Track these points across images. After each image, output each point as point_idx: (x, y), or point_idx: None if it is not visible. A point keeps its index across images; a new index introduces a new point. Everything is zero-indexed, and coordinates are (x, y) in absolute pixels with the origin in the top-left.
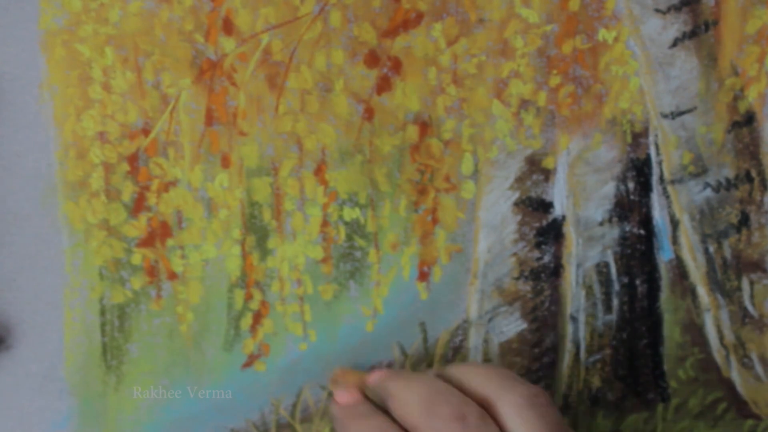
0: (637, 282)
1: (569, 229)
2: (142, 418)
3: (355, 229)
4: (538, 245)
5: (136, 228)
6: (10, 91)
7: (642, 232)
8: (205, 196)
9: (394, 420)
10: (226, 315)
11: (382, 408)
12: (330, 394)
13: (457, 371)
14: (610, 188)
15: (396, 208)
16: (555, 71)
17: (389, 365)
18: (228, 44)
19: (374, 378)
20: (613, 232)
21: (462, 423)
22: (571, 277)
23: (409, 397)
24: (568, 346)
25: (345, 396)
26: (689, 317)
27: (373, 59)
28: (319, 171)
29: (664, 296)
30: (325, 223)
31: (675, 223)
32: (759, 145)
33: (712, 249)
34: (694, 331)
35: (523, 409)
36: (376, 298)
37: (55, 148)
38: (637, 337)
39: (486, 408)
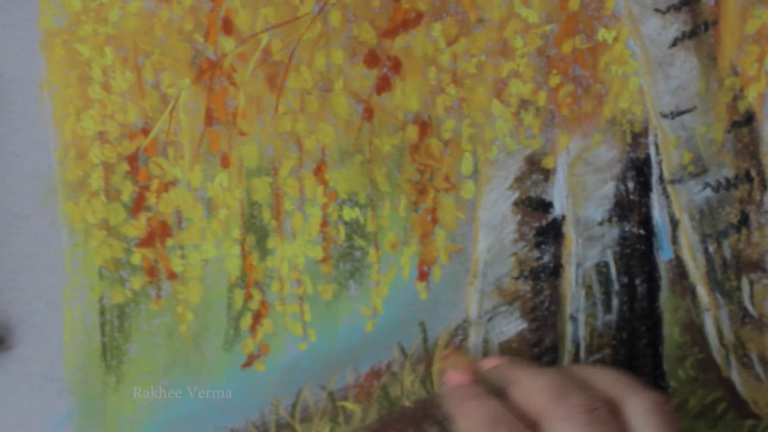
0: (637, 282)
1: (569, 229)
2: (142, 418)
3: (354, 228)
4: (537, 245)
5: (136, 228)
6: (10, 91)
7: (642, 231)
8: (204, 196)
9: (510, 406)
10: (226, 315)
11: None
12: (330, 394)
13: (582, 371)
14: (609, 188)
15: (396, 208)
16: (555, 71)
17: (389, 365)
18: (228, 44)
19: (493, 364)
20: (613, 232)
21: (592, 414)
22: (570, 276)
23: (538, 384)
24: (568, 345)
25: (458, 376)
26: (689, 317)
27: (372, 59)
28: (318, 171)
29: (664, 296)
30: (324, 223)
31: (675, 223)
32: (758, 145)
33: (711, 249)
34: (694, 330)
35: (651, 414)
36: (376, 298)
37: (54, 147)
38: (637, 337)
39: (612, 408)
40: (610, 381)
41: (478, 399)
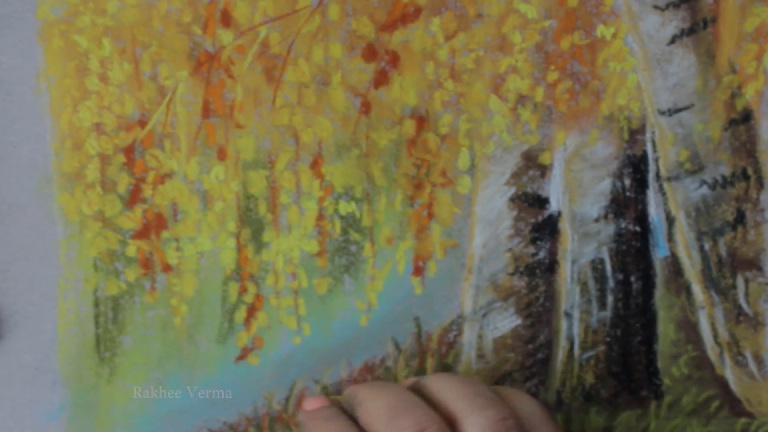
0: (632, 279)
1: (565, 225)
2: (135, 410)
3: (350, 223)
4: (533, 241)
5: (132, 220)
6: (7, 82)
7: (637, 228)
8: (200, 188)
9: (359, 427)
10: (221, 308)
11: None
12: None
13: (432, 383)
14: (606, 185)
15: (392, 203)
16: (553, 67)
17: (383, 360)
18: (226, 36)
19: (348, 389)
20: (609, 229)
21: None
22: (566, 273)
23: (375, 405)
24: (562, 342)
25: (312, 402)
26: (684, 315)
27: (370, 53)
28: (315, 164)
29: (659, 293)
30: (320, 217)
31: (671, 221)
32: (756, 143)
33: (707, 246)
34: (689, 328)
35: None
36: (371, 293)
37: (51, 138)
38: (632, 334)
39: (452, 425)
40: (454, 395)
41: (326, 420)
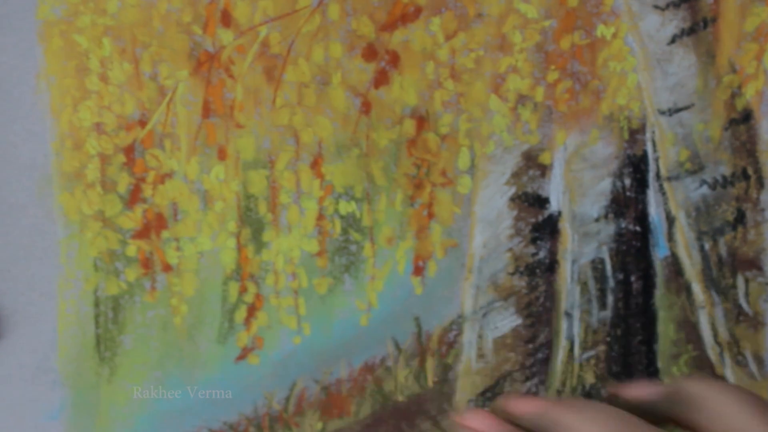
0: (632, 279)
1: (565, 225)
2: (135, 410)
3: (350, 222)
4: (533, 241)
5: (132, 219)
6: (8, 81)
7: (638, 228)
8: (200, 188)
9: None
10: (221, 308)
11: None
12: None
13: (693, 387)
14: (606, 184)
15: (392, 202)
16: (553, 67)
17: (383, 360)
18: (226, 36)
19: (529, 406)
20: (609, 229)
21: None
22: (566, 273)
23: (590, 429)
24: (563, 342)
25: (478, 420)
26: (684, 314)
27: (371, 53)
28: (315, 164)
29: (659, 293)
30: (320, 217)
31: (671, 220)
32: (756, 143)
33: (707, 246)
34: (689, 328)
35: None
36: (371, 292)
37: (51, 138)
38: (632, 334)
39: None
40: (733, 413)
41: None
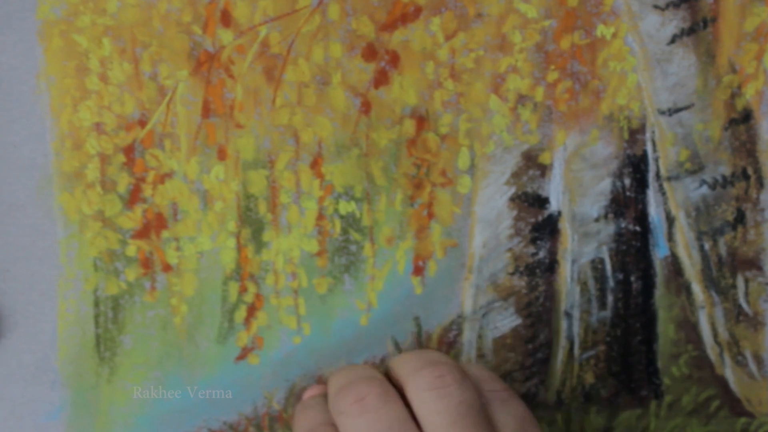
0: (632, 279)
1: (565, 225)
2: (135, 410)
3: (350, 222)
4: (533, 241)
5: (132, 219)
6: (7, 81)
7: (637, 228)
8: (200, 188)
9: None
10: (221, 307)
11: None
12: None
13: (390, 360)
14: (606, 184)
15: (392, 202)
16: (553, 67)
17: (383, 360)
18: (226, 36)
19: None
20: (609, 229)
21: (360, 404)
22: (566, 273)
23: (330, 385)
24: (562, 342)
25: (310, 391)
26: (684, 314)
27: (370, 53)
28: (315, 164)
29: (659, 293)
30: (320, 217)
31: (671, 220)
32: (756, 143)
33: (707, 246)
34: (689, 328)
35: (424, 391)
36: (371, 292)
37: (51, 138)
38: (631, 334)
39: (400, 391)
40: (399, 364)
41: (309, 408)
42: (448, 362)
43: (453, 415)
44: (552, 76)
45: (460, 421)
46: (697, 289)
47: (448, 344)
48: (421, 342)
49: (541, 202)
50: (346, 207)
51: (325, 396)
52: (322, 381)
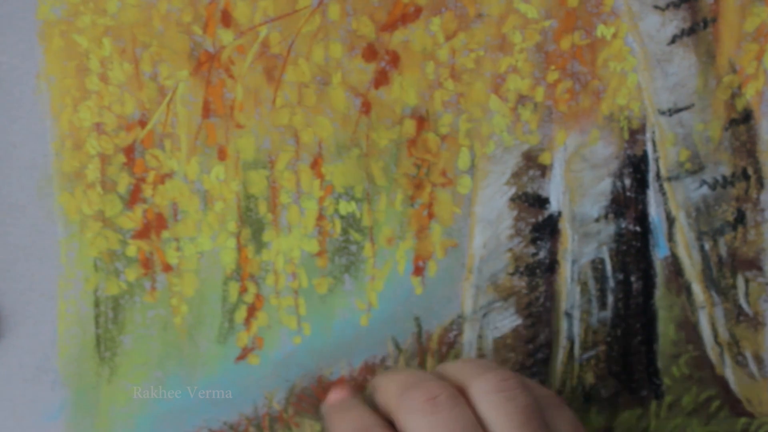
0: (632, 279)
1: (565, 225)
2: (135, 410)
3: (350, 222)
4: (533, 241)
5: (132, 220)
6: (8, 81)
7: (638, 228)
8: (201, 188)
9: (379, 414)
10: (221, 308)
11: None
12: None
13: (442, 366)
14: (606, 184)
15: (392, 203)
16: (553, 67)
17: (383, 360)
18: (226, 36)
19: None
20: (609, 229)
21: (433, 402)
22: (566, 273)
23: (388, 385)
24: (563, 342)
25: (336, 393)
26: (684, 314)
27: (371, 53)
28: (315, 164)
29: (659, 293)
30: (320, 217)
31: (671, 220)
32: (756, 143)
33: (707, 246)
34: (689, 328)
35: (490, 394)
36: (371, 292)
37: (51, 138)
38: (632, 334)
39: (462, 393)
40: (457, 369)
41: (346, 411)
42: (505, 368)
43: (521, 417)
44: (552, 76)
45: (527, 424)
46: (698, 289)
47: (449, 344)
48: (421, 342)
49: (542, 202)
50: (346, 207)
51: (359, 398)
52: (322, 381)
